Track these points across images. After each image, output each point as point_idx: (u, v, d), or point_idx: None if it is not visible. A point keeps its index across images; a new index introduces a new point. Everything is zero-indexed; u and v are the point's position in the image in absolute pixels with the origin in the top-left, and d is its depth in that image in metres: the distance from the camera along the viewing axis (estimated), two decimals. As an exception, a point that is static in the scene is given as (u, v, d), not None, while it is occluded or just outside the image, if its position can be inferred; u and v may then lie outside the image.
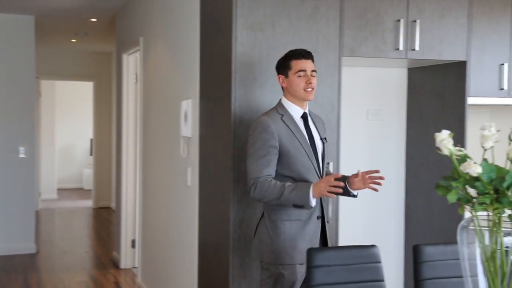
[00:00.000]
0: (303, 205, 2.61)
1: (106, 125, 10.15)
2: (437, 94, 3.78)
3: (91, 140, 11.00)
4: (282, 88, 2.87)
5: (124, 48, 5.98)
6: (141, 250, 5.34)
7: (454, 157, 1.82)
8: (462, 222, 1.85)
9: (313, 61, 2.82)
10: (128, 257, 6.05)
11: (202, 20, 3.68)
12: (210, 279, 3.53)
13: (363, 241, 3.51)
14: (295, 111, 2.80)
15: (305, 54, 2.79)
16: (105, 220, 9.19)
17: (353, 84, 3.89)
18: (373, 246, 2.41)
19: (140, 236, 5.38)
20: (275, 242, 2.71)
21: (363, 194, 3.96)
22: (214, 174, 3.44)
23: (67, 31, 7.89)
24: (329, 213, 3.15)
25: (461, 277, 1.87)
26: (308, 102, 2.86)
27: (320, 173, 2.79)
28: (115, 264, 6.24)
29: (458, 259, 1.87)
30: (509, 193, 1.72)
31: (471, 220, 1.80)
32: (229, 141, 3.14)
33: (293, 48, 2.86)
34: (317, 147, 2.81)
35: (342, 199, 3.47)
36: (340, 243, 3.38)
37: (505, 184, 1.71)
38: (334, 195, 2.62)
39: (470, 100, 3.62)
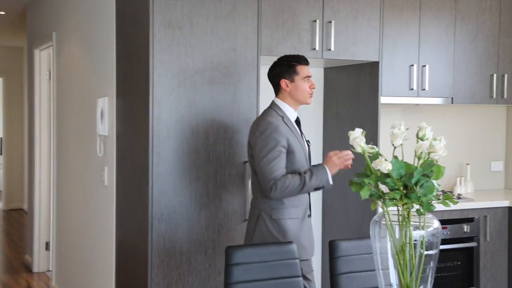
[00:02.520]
0: (323, 185, 2.76)
1: (18, 123, 9.71)
2: (351, 93, 3.90)
3: (1, 139, 10.50)
4: (279, 91, 2.93)
5: (36, 43, 5.75)
6: (56, 252, 5.16)
7: (366, 154, 1.88)
8: (374, 217, 1.92)
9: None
10: (41, 260, 5.84)
11: (118, 16, 3.60)
12: (128, 279, 3.47)
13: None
14: (292, 114, 2.90)
15: (307, 60, 2.93)
16: (16, 223, 8.80)
17: (272, 83, 3.93)
18: (290, 242, 2.45)
19: (54, 238, 5.20)
20: (281, 240, 2.76)
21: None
22: (132, 173, 3.38)
23: (-26, 24, 7.50)
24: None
25: (373, 270, 1.94)
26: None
27: None
28: (28, 268, 5.99)
29: (371, 253, 1.93)
30: (417, 189, 1.80)
31: (383, 215, 1.87)
32: (147, 139, 3.09)
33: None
34: (305, 148, 2.92)
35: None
36: (259, 241, 3.41)
37: (413, 180, 1.79)
38: (350, 166, 2.78)
39: (383, 100, 3.76)
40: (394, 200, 1.81)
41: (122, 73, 3.55)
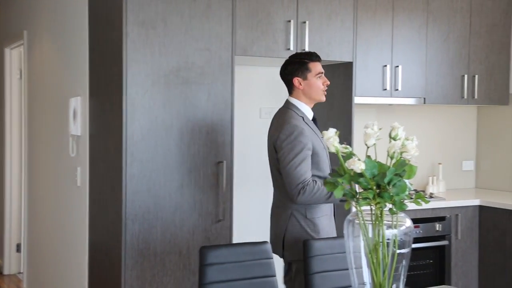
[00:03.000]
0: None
1: (-12, 123, 9.54)
2: (326, 93, 3.91)
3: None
4: (292, 89, 2.89)
5: (6, 42, 5.65)
6: (27, 254, 5.09)
7: (340, 154, 1.89)
8: (348, 217, 1.93)
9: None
10: (12, 263, 5.74)
11: (90, 14, 3.56)
12: (101, 281, 3.43)
13: (256, 238, 3.57)
14: (309, 113, 2.89)
15: (319, 57, 2.89)
16: (-13, 224, 8.63)
17: (247, 83, 3.94)
18: (265, 242, 2.45)
19: (26, 240, 5.12)
20: (315, 237, 2.75)
21: (256, 191, 4.03)
22: (105, 173, 3.35)
23: None
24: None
25: (347, 269, 1.95)
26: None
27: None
28: (-2, 271, 5.89)
29: (345, 252, 1.94)
30: (390, 188, 1.81)
31: (356, 214, 1.88)
32: (120, 139, 3.07)
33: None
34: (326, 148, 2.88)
35: (235, 197, 3.50)
36: (234, 241, 3.41)
37: (386, 180, 1.80)
38: None
39: (357, 100, 3.79)
40: (367, 200, 1.82)
41: (95, 72, 3.51)
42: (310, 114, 2.90)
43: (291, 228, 2.83)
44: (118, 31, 3.08)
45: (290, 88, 2.92)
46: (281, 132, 2.78)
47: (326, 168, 2.84)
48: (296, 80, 2.87)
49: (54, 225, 4.36)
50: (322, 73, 2.88)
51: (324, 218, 2.85)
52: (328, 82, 2.91)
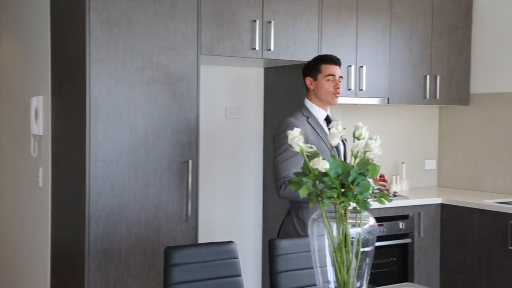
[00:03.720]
0: None
1: None
2: (291, 93, 3.94)
3: None
4: (307, 89, 2.96)
5: (-34, 39, 5.50)
6: (-12, 257, 4.96)
7: (305, 153, 1.90)
8: (313, 216, 1.94)
9: (340, 67, 2.96)
10: (-28, 265, 5.59)
11: (53, 12, 3.50)
12: (64, 283, 3.38)
13: (222, 238, 3.56)
14: (319, 113, 2.93)
15: (335, 60, 2.94)
16: None
17: (212, 83, 3.93)
18: (230, 242, 2.44)
19: (-14, 242, 4.99)
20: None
21: (222, 191, 4.03)
22: (68, 173, 3.30)
23: None
24: None
25: (312, 268, 1.96)
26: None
27: None
28: (-42, 274, 5.73)
29: (310, 251, 1.95)
30: (353, 187, 1.83)
31: (321, 213, 1.90)
32: (84, 139, 3.02)
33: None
34: (340, 148, 2.92)
35: (201, 197, 3.50)
36: (200, 241, 3.40)
37: (350, 179, 1.82)
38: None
39: (321, 100, 3.81)
40: (332, 199, 1.84)
41: (57, 71, 3.45)
42: (320, 115, 2.95)
43: (285, 225, 2.94)
44: (81, 29, 3.03)
45: (306, 88, 3.02)
46: (277, 128, 2.89)
47: None
48: (308, 80, 2.97)
49: (16, 227, 4.27)
50: (332, 75, 2.91)
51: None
52: (340, 86, 2.93)
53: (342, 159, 2.98)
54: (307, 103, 2.98)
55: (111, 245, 3.07)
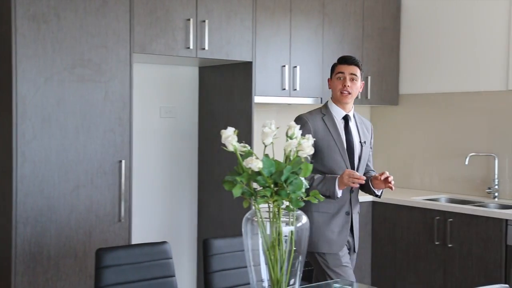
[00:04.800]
0: (330, 195, 2.84)
1: None
2: (226, 92, 3.94)
3: None
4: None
5: None
6: None
7: (238, 153, 1.90)
8: (247, 215, 1.95)
9: (359, 68, 3.01)
10: None
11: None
12: (-10, 289, 3.24)
13: (157, 238, 3.52)
14: (337, 112, 3.02)
15: (348, 60, 3.02)
16: None
17: (146, 82, 3.88)
18: (164, 242, 2.42)
19: None
20: None
21: (156, 191, 3.98)
22: (-6, 175, 3.17)
23: None
24: (354, 208, 3.09)
25: (246, 267, 1.97)
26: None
27: None
28: None
29: (244, 250, 1.96)
30: (286, 186, 1.85)
31: (255, 212, 1.91)
32: (11, 138, 2.91)
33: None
34: (354, 148, 3.00)
35: (134, 197, 3.44)
36: (134, 242, 3.35)
37: (283, 178, 1.84)
38: (357, 185, 2.89)
39: (257, 99, 3.84)
40: (265, 198, 1.85)
41: (-18, 67, 3.31)
42: (338, 114, 3.02)
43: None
44: (7, 25, 2.92)
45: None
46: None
47: (333, 164, 2.96)
48: (328, 81, 3.08)
49: None
50: (341, 73, 2.98)
51: (321, 215, 2.96)
52: (346, 85, 2.97)
53: (357, 159, 3.03)
54: (329, 102, 3.08)
55: (39, 249, 2.97)
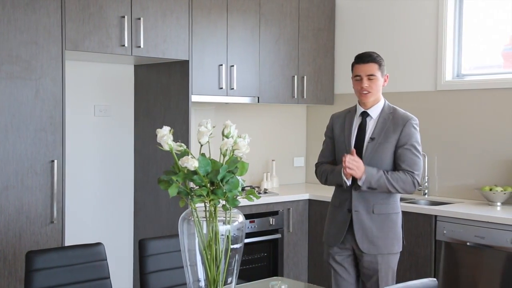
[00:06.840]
0: (341, 184, 2.91)
1: None
2: (163, 91, 3.89)
3: None
4: None
5: None
6: None
7: (174, 152, 1.88)
8: (183, 215, 1.94)
9: (377, 63, 2.92)
10: None
11: None
12: None
13: (92, 239, 3.44)
14: (358, 109, 3.02)
15: (363, 58, 2.93)
16: None
17: (80, 79, 3.78)
18: (98, 244, 2.37)
19: None
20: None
21: (90, 191, 3.89)
22: None
23: None
24: (358, 206, 2.94)
25: (182, 267, 1.95)
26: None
27: None
28: None
29: (180, 250, 1.94)
30: (223, 185, 1.85)
31: (191, 212, 1.89)
32: None
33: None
34: (363, 145, 2.95)
35: (68, 197, 3.35)
36: (68, 244, 3.25)
37: (219, 177, 1.84)
38: (348, 173, 2.84)
39: (194, 98, 3.82)
40: (201, 197, 1.84)
41: None
42: (358, 110, 3.02)
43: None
44: None
45: None
46: None
47: (340, 159, 2.98)
48: (351, 78, 3.02)
49: None
50: (358, 75, 2.93)
51: (330, 207, 3.08)
52: (363, 86, 2.90)
53: (363, 155, 2.95)
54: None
55: (-34, 253, 2.85)
